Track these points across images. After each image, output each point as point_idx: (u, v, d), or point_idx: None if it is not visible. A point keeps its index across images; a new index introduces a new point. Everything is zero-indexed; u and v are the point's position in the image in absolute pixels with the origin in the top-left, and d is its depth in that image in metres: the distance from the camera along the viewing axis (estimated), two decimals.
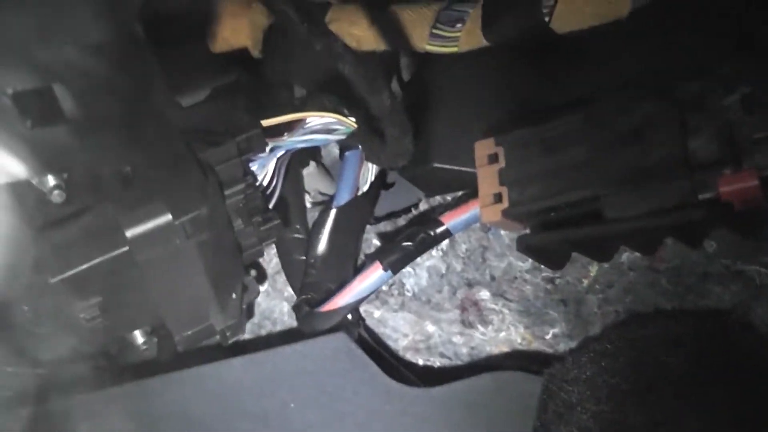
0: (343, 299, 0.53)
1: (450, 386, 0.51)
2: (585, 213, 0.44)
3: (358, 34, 0.52)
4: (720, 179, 0.39)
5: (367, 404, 0.51)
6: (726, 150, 0.39)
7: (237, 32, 0.55)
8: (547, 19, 0.46)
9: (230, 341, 0.49)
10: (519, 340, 0.55)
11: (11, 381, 0.46)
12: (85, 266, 0.40)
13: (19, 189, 0.41)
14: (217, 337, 0.49)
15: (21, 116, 0.31)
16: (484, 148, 0.48)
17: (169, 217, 0.41)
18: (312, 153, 0.61)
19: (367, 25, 0.51)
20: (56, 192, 0.39)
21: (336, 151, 0.61)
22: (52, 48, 0.29)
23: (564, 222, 0.45)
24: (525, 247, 0.46)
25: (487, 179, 0.47)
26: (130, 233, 0.40)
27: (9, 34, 0.27)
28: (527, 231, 0.48)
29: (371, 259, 0.53)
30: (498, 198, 0.46)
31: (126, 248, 0.41)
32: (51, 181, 0.39)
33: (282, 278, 0.59)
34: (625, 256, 0.52)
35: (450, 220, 0.51)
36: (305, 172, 0.60)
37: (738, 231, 0.43)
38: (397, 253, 0.52)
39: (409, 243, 0.52)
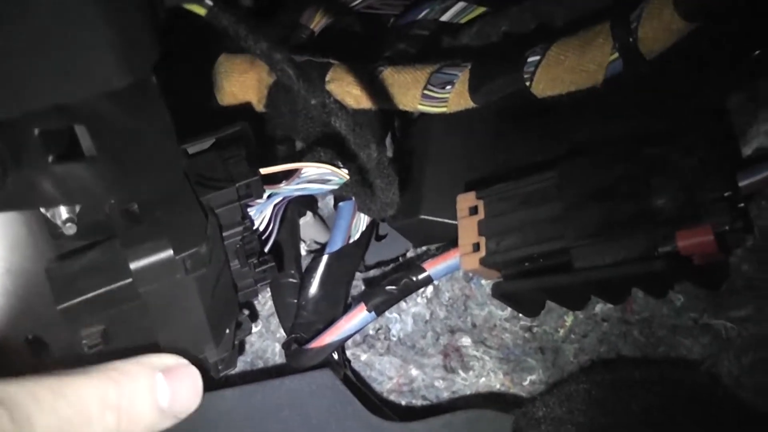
0: (329, 338, 0.55)
1: (427, 422, 0.53)
2: (556, 264, 0.46)
3: (356, 93, 0.54)
4: (678, 234, 0.41)
5: None
6: (685, 208, 0.42)
7: (244, 88, 0.58)
8: (528, 84, 0.49)
9: (221, 374, 0.51)
10: (498, 386, 0.56)
11: None
12: (90, 294, 0.43)
13: (35, 222, 0.44)
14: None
15: (44, 153, 0.33)
16: (465, 200, 0.51)
17: (170, 252, 0.43)
18: (310, 204, 0.64)
19: (365, 85, 0.54)
20: (68, 225, 0.42)
21: (332, 203, 0.63)
22: (78, 93, 0.31)
23: (537, 271, 0.47)
24: (499, 293, 0.48)
25: (468, 229, 0.50)
26: (133, 266, 0.42)
27: (41, 81, 0.29)
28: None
29: (357, 301, 0.55)
30: (477, 247, 0.49)
31: (129, 280, 0.43)
32: (64, 214, 0.42)
33: (275, 321, 0.61)
34: (599, 307, 0.54)
35: (431, 267, 0.53)
36: (302, 221, 0.63)
37: (699, 284, 0.46)
38: (381, 296, 0.54)
39: (393, 287, 0.54)
